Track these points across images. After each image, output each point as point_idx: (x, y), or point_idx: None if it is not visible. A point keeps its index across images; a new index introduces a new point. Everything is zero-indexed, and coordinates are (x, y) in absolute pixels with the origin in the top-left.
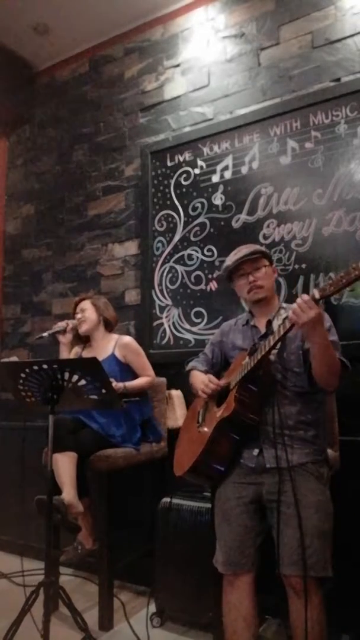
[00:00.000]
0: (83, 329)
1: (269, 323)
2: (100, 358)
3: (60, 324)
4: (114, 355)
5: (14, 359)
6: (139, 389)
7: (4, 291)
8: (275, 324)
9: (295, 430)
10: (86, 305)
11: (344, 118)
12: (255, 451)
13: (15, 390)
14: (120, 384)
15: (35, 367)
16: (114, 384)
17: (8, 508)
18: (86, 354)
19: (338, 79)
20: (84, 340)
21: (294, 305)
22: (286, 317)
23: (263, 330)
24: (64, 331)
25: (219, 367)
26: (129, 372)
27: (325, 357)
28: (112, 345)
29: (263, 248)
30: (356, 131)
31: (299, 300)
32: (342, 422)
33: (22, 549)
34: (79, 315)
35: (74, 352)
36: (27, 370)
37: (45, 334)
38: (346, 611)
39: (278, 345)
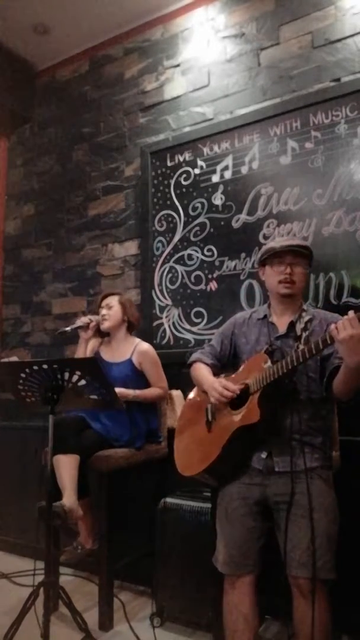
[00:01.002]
0: (106, 326)
1: (292, 325)
2: (117, 360)
3: (84, 319)
4: (131, 361)
5: (14, 359)
6: (149, 399)
7: (4, 291)
8: (298, 327)
9: (305, 436)
10: (113, 302)
11: (344, 118)
12: (264, 454)
13: (15, 390)
14: (131, 391)
15: (35, 367)
16: (124, 390)
17: (8, 508)
18: (103, 350)
19: (338, 79)
20: (103, 334)
21: (339, 322)
22: (309, 320)
23: (282, 329)
24: (86, 327)
25: (225, 360)
26: (142, 379)
27: (354, 378)
28: (130, 350)
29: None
30: (356, 131)
31: (346, 316)
32: (342, 422)
33: (22, 549)
34: (103, 311)
35: (91, 347)
36: (27, 370)
37: (67, 329)
38: (346, 611)
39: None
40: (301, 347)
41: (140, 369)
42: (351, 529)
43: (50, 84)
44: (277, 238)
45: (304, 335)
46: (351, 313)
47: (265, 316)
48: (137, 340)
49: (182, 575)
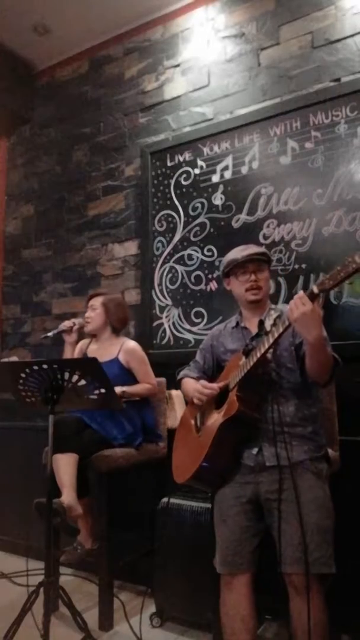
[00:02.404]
0: (88, 329)
1: (261, 323)
2: (103, 360)
3: (66, 323)
4: (117, 359)
5: (14, 359)
6: (138, 395)
7: (4, 291)
8: (268, 324)
9: (293, 427)
10: (97, 303)
11: (344, 118)
12: (255, 450)
13: (15, 390)
14: (119, 388)
15: (35, 367)
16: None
17: (8, 508)
18: (91, 351)
19: (338, 79)
20: (91, 335)
21: (291, 303)
22: (278, 316)
23: (254, 330)
24: (69, 330)
25: (211, 372)
26: (130, 377)
27: (319, 355)
28: (117, 349)
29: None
30: (356, 131)
31: (297, 295)
32: (342, 422)
33: (22, 549)
34: (87, 314)
35: (79, 347)
36: (27, 370)
37: (50, 334)
38: (346, 611)
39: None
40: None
41: (127, 367)
42: (351, 529)
43: (50, 84)
44: (230, 253)
45: (274, 330)
46: (301, 292)
47: (237, 323)
48: (124, 338)
49: (182, 575)
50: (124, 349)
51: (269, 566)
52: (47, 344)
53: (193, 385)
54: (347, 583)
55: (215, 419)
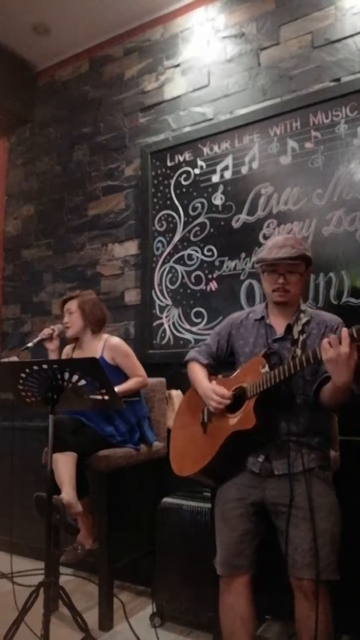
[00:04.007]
0: (69, 334)
1: (289, 327)
2: None
3: (46, 331)
4: (102, 358)
5: (14, 359)
6: (131, 391)
7: (4, 291)
8: (296, 330)
9: (302, 437)
10: (73, 307)
11: (344, 118)
12: (261, 457)
13: (15, 390)
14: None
15: (35, 367)
16: None
17: (8, 508)
18: (76, 354)
19: (338, 79)
20: (74, 339)
21: (334, 320)
22: (307, 322)
23: (279, 332)
24: (50, 338)
25: (222, 359)
26: (118, 373)
27: (340, 395)
28: (100, 347)
29: (308, 252)
30: (356, 131)
31: (340, 333)
32: (342, 422)
33: (22, 549)
34: (65, 319)
35: (65, 353)
36: (27, 370)
37: (30, 344)
38: (346, 611)
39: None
40: (298, 353)
41: (114, 364)
42: (351, 529)
43: (50, 84)
44: (269, 243)
45: (300, 338)
46: (344, 331)
47: (262, 317)
48: (106, 336)
49: (182, 575)
50: (107, 346)
51: (269, 566)
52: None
53: (205, 385)
54: (347, 583)
55: (227, 423)
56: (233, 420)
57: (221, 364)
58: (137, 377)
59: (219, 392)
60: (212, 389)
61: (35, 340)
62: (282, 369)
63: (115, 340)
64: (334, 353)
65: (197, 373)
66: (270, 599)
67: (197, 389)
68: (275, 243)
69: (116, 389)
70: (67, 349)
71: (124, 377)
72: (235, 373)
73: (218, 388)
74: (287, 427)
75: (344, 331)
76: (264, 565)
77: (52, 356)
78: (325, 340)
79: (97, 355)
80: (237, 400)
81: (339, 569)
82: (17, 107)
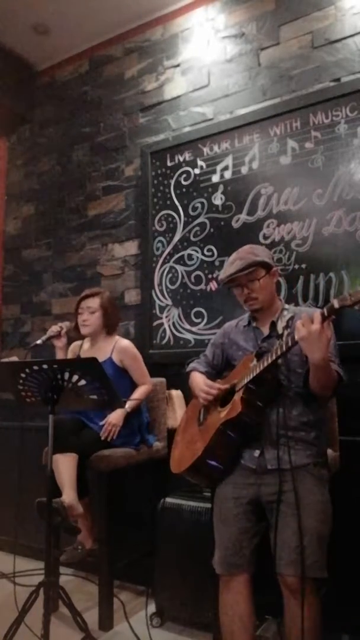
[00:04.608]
0: (86, 331)
1: (273, 324)
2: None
3: (54, 329)
4: (111, 359)
5: (14, 359)
6: (140, 401)
7: (4, 291)
8: (280, 326)
9: (296, 432)
10: (94, 305)
11: (344, 118)
12: (257, 452)
13: (15, 390)
14: (125, 407)
15: (35, 367)
16: (120, 411)
17: (8, 508)
18: (84, 352)
19: (338, 79)
20: (82, 336)
21: (300, 320)
22: (291, 318)
23: (265, 331)
24: (58, 335)
25: (219, 368)
26: (124, 376)
27: (320, 374)
28: (110, 348)
29: (259, 257)
30: (356, 131)
31: (306, 314)
32: (342, 422)
33: (22, 549)
34: (84, 316)
35: (71, 350)
36: (27, 370)
37: (39, 341)
38: (346, 611)
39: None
40: (280, 342)
41: (121, 366)
42: (351, 529)
43: (50, 84)
44: (225, 265)
45: (285, 333)
46: (317, 311)
47: (249, 322)
48: (116, 337)
49: (182, 575)
50: (117, 348)
51: (269, 566)
52: (46, 344)
53: (200, 381)
54: (346, 583)
55: (218, 417)
56: (223, 412)
57: (219, 373)
58: (144, 384)
59: (208, 383)
60: (202, 382)
61: (44, 338)
62: (266, 357)
63: (125, 342)
64: (305, 331)
65: (196, 377)
66: (270, 598)
67: (194, 389)
68: (229, 262)
69: (129, 403)
70: (74, 346)
71: (129, 380)
72: (231, 373)
73: (209, 381)
74: (280, 421)
75: (315, 311)
76: (264, 564)
77: (59, 353)
78: (298, 322)
79: (106, 357)
80: (230, 396)
81: (338, 569)
82: (17, 107)
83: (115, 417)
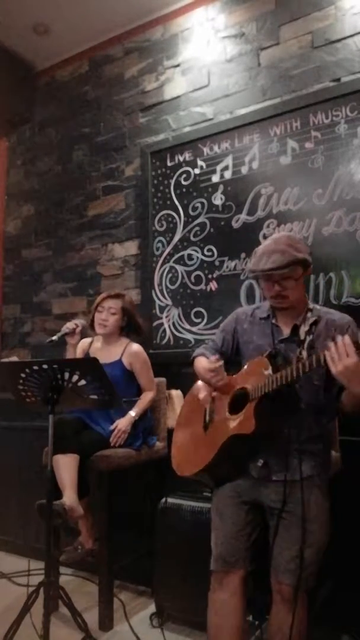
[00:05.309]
0: (101, 331)
1: (295, 328)
2: (107, 361)
3: (69, 325)
4: (121, 361)
5: (14, 359)
6: (146, 408)
7: (4, 291)
8: (302, 331)
9: (305, 444)
10: (116, 307)
11: (344, 118)
12: (260, 462)
13: (15, 390)
14: (132, 415)
15: (35, 367)
16: (127, 419)
17: (8, 508)
18: (94, 351)
19: (338, 79)
20: (94, 334)
21: (331, 349)
22: (314, 323)
23: (286, 331)
24: (72, 332)
25: (228, 355)
26: (131, 379)
27: (357, 401)
28: (120, 350)
29: (301, 254)
30: (356, 131)
31: (338, 340)
32: (342, 422)
33: (22, 549)
34: (103, 316)
35: (80, 347)
36: (27, 370)
37: (55, 337)
38: (346, 611)
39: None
40: (304, 355)
41: (129, 369)
42: (351, 530)
43: (50, 84)
44: (261, 248)
45: (307, 339)
46: (346, 338)
47: (268, 316)
48: (128, 340)
49: (182, 575)
50: (128, 351)
51: (268, 566)
52: (46, 344)
53: (204, 363)
54: (346, 583)
55: (227, 426)
56: (233, 422)
57: (227, 361)
58: (150, 391)
59: (211, 365)
60: (206, 362)
61: (59, 334)
62: (285, 373)
63: (137, 347)
64: (342, 366)
65: (201, 360)
66: (270, 598)
67: (199, 372)
68: (265, 249)
69: (136, 409)
70: (83, 343)
71: (136, 384)
72: (240, 372)
73: (212, 359)
74: (290, 433)
75: (346, 341)
76: (263, 563)
77: (70, 350)
78: (327, 353)
79: (116, 358)
80: (240, 401)
81: (338, 569)
82: (17, 107)
83: (125, 423)
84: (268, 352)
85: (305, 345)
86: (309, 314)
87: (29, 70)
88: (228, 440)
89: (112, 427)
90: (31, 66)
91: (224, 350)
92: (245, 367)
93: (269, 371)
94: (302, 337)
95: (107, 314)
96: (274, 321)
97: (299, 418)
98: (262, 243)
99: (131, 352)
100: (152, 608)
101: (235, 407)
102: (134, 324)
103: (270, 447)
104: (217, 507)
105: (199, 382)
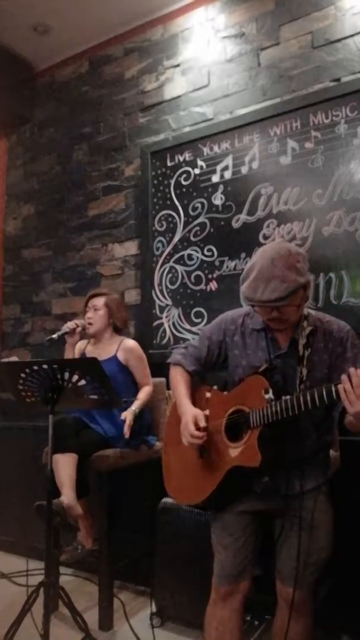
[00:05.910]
0: (91, 331)
1: (293, 342)
2: (102, 358)
3: (69, 325)
4: (116, 357)
5: (14, 359)
6: (145, 404)
7: (4, 291)
8: (300, 344)
9: (308, 458)
10: (99, 304)
11: (344, 118)
12: (265, 479)
13: (15, 390)
14: (133, 410)
15: (35, 367)
16: (128, 413)
17: (8, 508)
18: (90, 350)
19: (338, 79)
20: (91, 336)
21: (340, 327)
22: (311, 333)
23: (283, 345)
24: (72, 332)
25: (210, 366)
26: (128, 375)
27: None
28: (115, 347)
29: (303, 279)
30: (356, 131)
31: (353, 376)
32: (342, 422)
33: (22, 549)
34: (89, 314)
35: (77, 348)
36: (27, 370)
37: (55, 336)
38: (346, 611)
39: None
40: (305, 373)
41: (125, 365)
42: (351, 530)
43: (50, 84)
44: (253, 271)
45: (306, 354)
46: (355, 379)
47: (263, 328)
48: (122, 337)
49: (182, 575)
50: (123, 347)
51: (270, 568)
52: (46, 344)
53: (186, 409)
54: (346, 583)
55: (227, 454)
56: (234, 451)
57: (210, 370)
58: (147, 385)
59: (197, 434)
60: (193, 417)
61: (59, 333)
62: (292, 404)
63: (131, 343)
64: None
65: (180, 385)
66: (270, 599)
67: (178, 407)
68: (261, 274)
69: (137, 404)
70: (80, 344)
71: (132, 378)
72: (234, 390)
73: (199, 417)
74: (292, 451)
75: (340, 324)
76: (264, 565)
77: (69, 350)
78: (342, 386)
79: (111, 355)
80: (236, 424)
81: (338, 569)
82: (17, 107)
83: (130, 417)
84: (264, 368)
85: (305, 361)
86: (304, 323)
87: (29, 70)
88: (230, 471)
89: (122, 417)
90: (31, 66)
91: (207, 359)
92: (240, 385)
93: (270, 395)
94: (300, 352)
95: (92, 312)
96: (270, 335)
97: (302, 436)
98: (256, 261)
99: (126, 347)
100: (152, 608)
101: (233, 430)
102: (117, 318)
103: (274, 467)
104: (222, 521)
105: (185, 408)
